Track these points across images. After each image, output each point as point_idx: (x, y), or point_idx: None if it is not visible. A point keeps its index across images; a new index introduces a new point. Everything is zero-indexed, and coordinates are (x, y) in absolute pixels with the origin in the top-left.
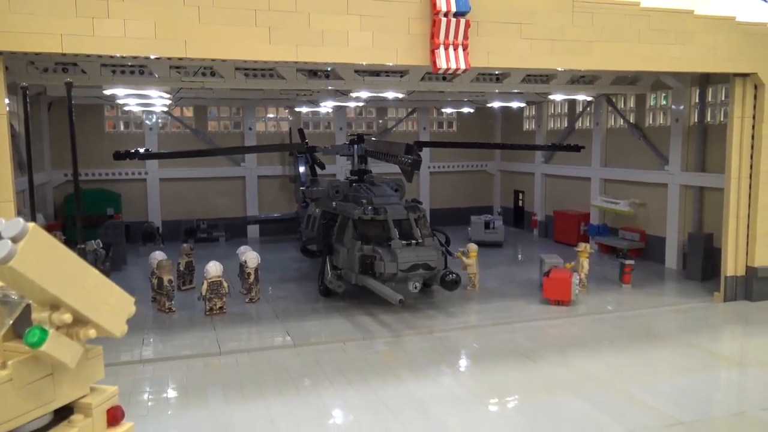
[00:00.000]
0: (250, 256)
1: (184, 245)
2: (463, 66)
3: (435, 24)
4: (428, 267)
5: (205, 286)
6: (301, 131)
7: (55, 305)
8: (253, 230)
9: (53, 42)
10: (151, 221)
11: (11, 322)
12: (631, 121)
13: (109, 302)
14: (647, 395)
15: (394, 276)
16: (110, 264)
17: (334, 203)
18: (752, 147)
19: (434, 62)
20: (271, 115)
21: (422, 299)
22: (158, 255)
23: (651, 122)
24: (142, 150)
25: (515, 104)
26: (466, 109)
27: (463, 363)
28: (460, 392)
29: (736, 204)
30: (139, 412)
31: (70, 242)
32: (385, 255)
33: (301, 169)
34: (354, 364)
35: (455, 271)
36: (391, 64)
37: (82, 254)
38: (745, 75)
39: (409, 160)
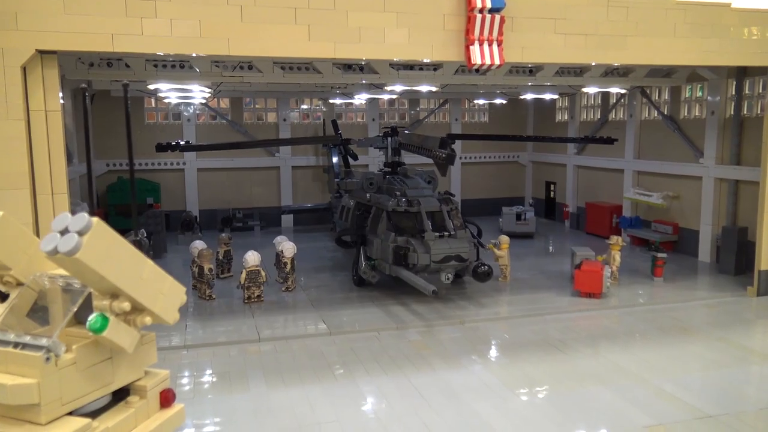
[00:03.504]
0: (287, 246)
1: (222, 234)
2: (497, 62)
3: (470, 20)
4: (460, 258)
5: (243, 274)
6: (334, 122)
7: (114, 294)
8: (287, 220)
9: (105, 41)
10: (189, 210)
11: (75, 309)
12: (666, 113)
13: (163, 291)
14: (676, 388)
15: (427, 267)
16: (152, 253)
17: (368, 195)
18: None
19: (468, 58)
20: (305, 107)
21: (454, 290)
22: (198, 244)
23: (686, 114)
24: (182, 142)
25: (548, 96)
26: (498, 101)
27: (493, 353)
28: (491, 381)
29: None
30: (184, 395)
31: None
32: (418, 246)
33: (335, 159)
34: (388, 352)
35: (487, 263)
36: (426, 60)
37: (136, 245)
38: None
39: (443, 155)
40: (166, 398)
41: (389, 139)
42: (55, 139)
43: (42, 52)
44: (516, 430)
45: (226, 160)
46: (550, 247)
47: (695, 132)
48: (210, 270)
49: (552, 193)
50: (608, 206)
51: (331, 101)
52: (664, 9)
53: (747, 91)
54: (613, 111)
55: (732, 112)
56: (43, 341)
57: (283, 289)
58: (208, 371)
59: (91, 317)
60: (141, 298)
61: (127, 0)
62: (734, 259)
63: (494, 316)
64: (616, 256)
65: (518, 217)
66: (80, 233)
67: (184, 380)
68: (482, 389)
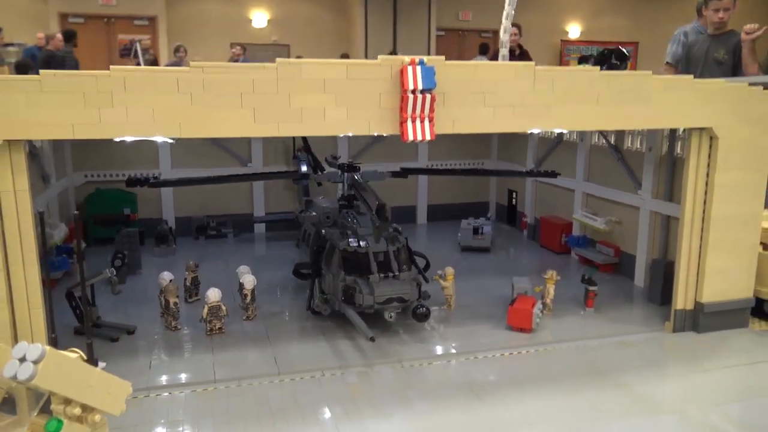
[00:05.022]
0: (247, 279)
1: (190, 263)
2: (428, 137)
3: (403, 99)
4: (402, 300)
5: (205, 310)
6: (305, 139)
7: (68, 400)
8: (259, 227)
9: (66, 131)
10: (165, 219)
11: (38, 409)
12: (612, 141)
13: (110, 391)
14: None
15: (371, 307)
16: (127, 269)
17: (323, 231)
18: (705, 193)
19: (403, 133)
20: None
21: (399, 320)
22: (166, 276)
23: (629, 145)
24: (152, 178)
25: None
26: None
27: (417, 400)
28: (405, 430)
29: (688, 244)
30: None
31: (92, 240)
32: (364, 287)
33: (303, 168)
34: (326, 397)
35: (425, 304)
36: (363, 134)
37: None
38: (701, 129)
39: (377, 223)
40: None
41: (345, 174)
42: (24, 212)
43: (9, 141)
44: None
45: (200, 169)
46: (502, 264)
47: (636, 164)
48: (175, 304)
49: (514, 200)
50: (559, 223)
51: None
52: (588, 80)
53: (680, 133)
54: (567, 132)
55: (666, 151)
56: None
57: (244, 318)
58: (163, 418)
59: (48, 421)
60: (90, 402)
61: (85, 93)
62: (660, 290)
63: (428, 354)
64: (551, 289)
65: (475, 231)
66: (35, 362)
67: (142, 428)
68: None
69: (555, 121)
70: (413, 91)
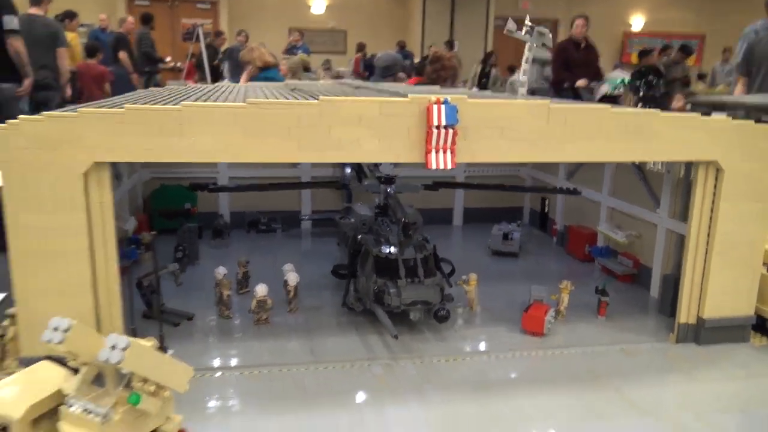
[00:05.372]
0: (291, 277)
1: (241, 258)
2: (450, 166)
3: (429, 133)
4: (426, 303)
5: (254, 302)
6: None
7: (145, 379)
8: (306, 223)
9: (144, 155)
10: (221, 213)
11: (121, 387)
12: (635, 161)
13: (177, 373)
14: None
15: (398, 308)
16: (187, 260)
17: (359, 236)
18: (710, 219)
19: (428, 162)
20: None
21: (425, 320)
22: (220, 271)
23: (651, 166)
24: (211, 185)
25: None
26: None
27: (431, 392)
28: (419, 417)
29: (692, 263)
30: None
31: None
32: (392, 290)
33: (347, 170)
34: (355, 385)
35: (446, 306)
36: (393, 161)
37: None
38: (707, 163)
39: (401, 238)
40: None
41: (382, 186)
42: (108, 221)
43: (97, 163)
44: None
45: (254, 170)
46: (528, 270)
47: (656, 183)
48: (228, 296)
49: (546, 207)
50: (585, 233)
51: None
52: (599, 118)
53: None
54: None
55: (683, 174)
56: (101, 410)
57: (288, 310)
58: (216, 396)
59: (130, 395)
60: (161, 381)
61: (161, 126)
62: (670, 303)
63: (447, 352)
64: (565, 298)
65: (505, 236)
66: (123, 349)
67: (200, 405)
68: (413, 425)
69: (567, 154)
70: (437, 127)
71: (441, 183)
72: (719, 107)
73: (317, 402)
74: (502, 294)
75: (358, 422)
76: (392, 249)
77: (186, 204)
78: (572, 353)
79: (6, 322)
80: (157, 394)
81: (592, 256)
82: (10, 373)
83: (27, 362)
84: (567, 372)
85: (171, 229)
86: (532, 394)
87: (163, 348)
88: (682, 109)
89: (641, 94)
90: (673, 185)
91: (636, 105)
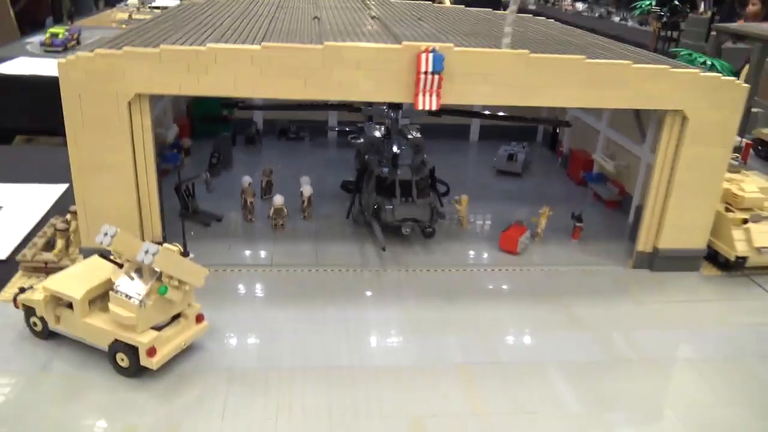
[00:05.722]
0: (306, 189)
1: (266, 167)
2: (435, 107)
3: (417, 79)
4: (416, 220)
5: (272, 210)
6: None
7: (170, 276)
8: (332, 133)
9: (176, 88)
10: (255, 121)
11: (154, 280)
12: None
13: (195, 273)
14: (489, 342)
15: (391, 223)
16: (221, 166)
17: (366, 156)
18: (673, 161)
19: (416, 103)
20: None
21: (416, 235)
22: (245, 180)
23: None
24: (241, 102)
25: None
26: None
27: (408, 297)
28: (392, 318)
29: (653, 201)
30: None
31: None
32: (387, 207)
33: None
34: (346, 286)
35: (432, 225)
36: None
37: (206, 183)
38: (674, 111)
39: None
40: (199, 319)
41: (389, 111)
42: (147, 140)
43: (139, 94)
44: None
45: None
46: (526, 190)
47: (646, 119)
48: (251, 203)
49: (558, 129)
50: (583, 159)
51: None
52: (574, 68)
53: None
54: None
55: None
56: (138, 296)
57: (302, 218)
58: (232, 288)
59: (160, 286)
60: (183, 278)
61: (189, 64)
62: (638, 232)
63: (429, 264)
64: (543, 222)
65: (510, 157)
66: (154, 254)
67: (221, 295)
68: (384, 325)
69: (544, 99)
70: (425, 72)
71: (444, 110)
72: None
73: (314, 298)
74: (495, 212)
75: (343, 318)
76: (391, 171)
77: (223, 111)
78: (537, 271)
79: (69, 217)
80: (179, 288)
81: (586, 180)
82: (73, 259)
83: (85, 252)
84: (527, 288)
85: (210, 134)
86: (490, 305)
87: (185, 252)
88: (757, 14)
89: (664, 20)
90: (658, 123)
91: (659, 30)
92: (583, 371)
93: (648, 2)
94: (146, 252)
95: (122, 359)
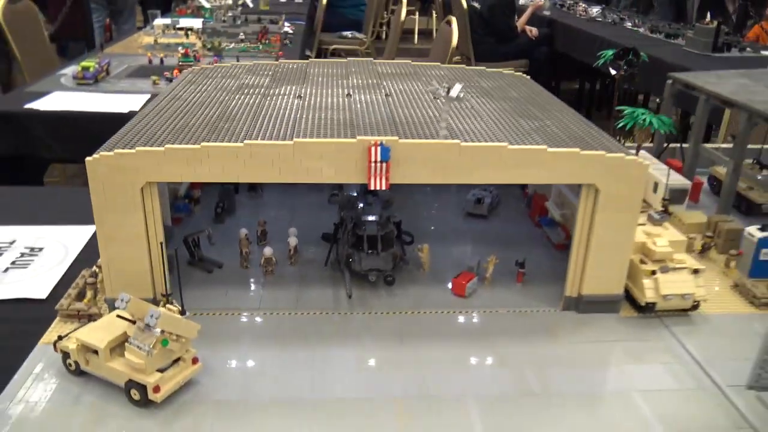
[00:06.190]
0: (291, 240)
1: (260, 219)
2: (385, 187)
3: (369, 166)
4: (379, 270)
5: (263, 259)
6: None
7: (170, 332)
8: None
9: (177, 177)
10: None
11: (159, 332)
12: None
13: (190, 329)
14: (400, 376)
15: (359, 272)
16: (225, 214)
17: (342, 212)
18: (590, 226)
19: (369, 185)
20: None
21: (380, 282)
22: (242, 232)
23: None
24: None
25: None
26: None
27: (367, 339)
28: (345, 355)
29: (576, 256)
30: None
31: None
32: (356, 258)
33: None
34: (316, 329)
35: (393, 274)
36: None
37: (208, 238)
38: (588, 184)
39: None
40: (194, 361)
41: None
42: (156, 218)
43: (149, 182)
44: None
45: None
46: (488, 235)
47: None
48: (246, 253)
49: None
50: (542, 203)
51: None
52: (499, 153)
53: None
54: None
55: None
56: (146, 347)
57: (289, 263)
58: (222, 332)
59: (162, 339)
60: (180, 333)
61: (187, 159)
62: None
63: (390, 307)
64: (490, 267)
65: (477, 201)
66: (156, 318)
67: (214, 339)
68: (339, 362)
69: (474, 178)
70: (375, 162)
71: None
72: None
73: (292, 338)
74: (456, 257)
75: (311, 358)
76: (360, 227)
77: None
78: (477, 314)
79: (96, 269)
80: (178, 340)
81: (541, 224)
82: (99, 307)
83: (108, 302)
84: (466, 329)
85: (216, 184)
86: (433, 344)
87: (183, 311)
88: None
89: (621, 72)
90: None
91: (614, 81)
92: (493, 404)
93: (610, 53)
94: (151, 316)
95: (135, 394)
